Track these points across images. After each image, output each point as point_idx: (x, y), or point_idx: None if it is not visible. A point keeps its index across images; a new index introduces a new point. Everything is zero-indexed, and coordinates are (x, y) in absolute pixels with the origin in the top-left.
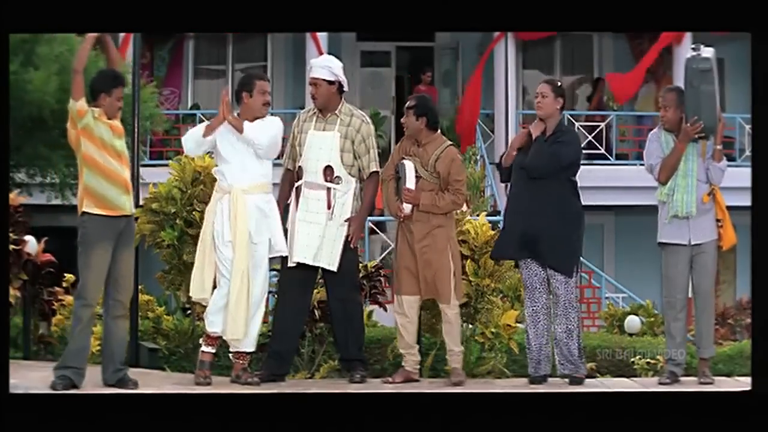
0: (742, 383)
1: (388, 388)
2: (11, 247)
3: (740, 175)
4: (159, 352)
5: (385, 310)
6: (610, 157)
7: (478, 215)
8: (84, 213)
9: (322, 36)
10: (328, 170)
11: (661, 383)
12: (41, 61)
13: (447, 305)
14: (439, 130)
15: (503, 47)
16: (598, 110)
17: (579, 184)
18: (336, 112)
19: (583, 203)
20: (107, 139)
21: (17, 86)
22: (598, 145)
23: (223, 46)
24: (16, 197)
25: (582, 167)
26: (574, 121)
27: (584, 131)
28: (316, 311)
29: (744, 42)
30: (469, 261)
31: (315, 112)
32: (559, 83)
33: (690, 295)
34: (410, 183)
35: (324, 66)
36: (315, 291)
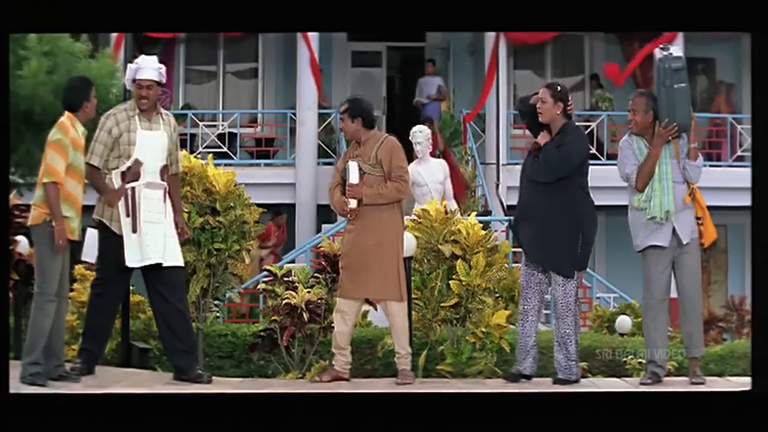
0: (734, 383)
1: (378, 388)
2: None
3: (730, 176)
4: (150, 352)
5: (375, 309)
6: (601, 157)
7: (468, 215)
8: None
9: (313, 36)
10: (165, 169)
11: (642, 383)
12: (32, 54)
13: (397, 306)
14: (375, 128)
15: (494, 48)
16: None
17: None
18: (157, 111)
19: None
20: (82, 168)
21: (11, 81)
22: (589, 144)
23: (214, 47)
24: (13, 198)
25: None
26: None
27: None
28: (304, 313)
29: (734, 43)
30: (460, 261)
31: (136, 113)
32: (559, 87)
33: (674, 295)
34: (354, 179)
35: (155, 68)
36: (305, 291)
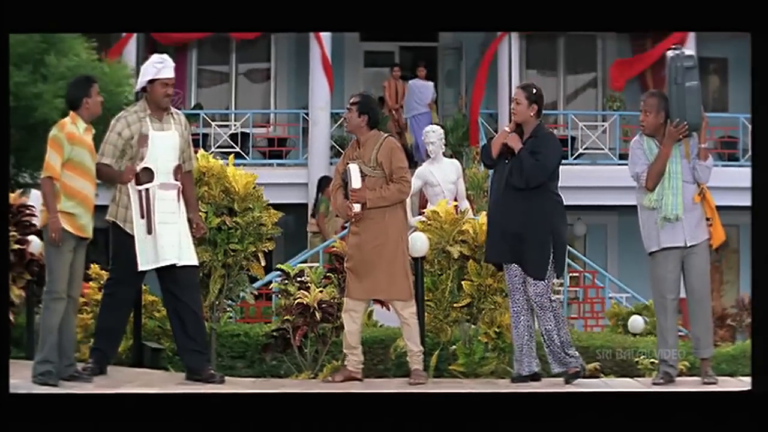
0: (745, 383)
1: (391, 388)
2: (16, 246)
3: (743, 175)
4: (163, 353)
5: (388, 309)
6: (613, 157)
7: (480, 215)
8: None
9: (326, 36)
10: (178, 169)
11: (654, 383)
12: (50, 74)
13: (405, 305)
14: (376, 129)
15: (506, 47)
16: None
17: (583, 184)
18: (167, 111)
19: (587, 203)
20: (87, 164)
21: (25, 96)
22: (601, 144)
23: (226, 47)
24: (19, 197)
25: (585, 167)
26: (578, 121)
27: (588, 131)
28: (317, 312)
29: (746, 41)
30: (471, 261)
31: (147, 114)
32: (535, 90)
33: (683, 296)
34: (356, 183)
35: (172, 66)
36: (318, 290)
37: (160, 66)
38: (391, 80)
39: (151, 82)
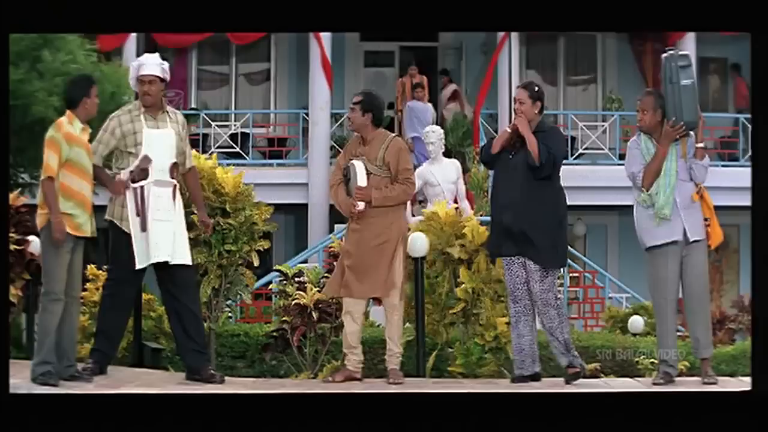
0: (745, 383)
1: (391, 389)
2: (14, 247)
3: (743, 175)
4: (163, 352)
5: None
6: (613, 157)
7: (481, 215)
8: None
9: (326, 36)
10: (174, 167)
11: (654, 384)
12: (45, 70)
13: (397, 304)
14: (382, 127)
15: (506, 47)
16: None
17: (583, 184)
18: (162, 110)
19: (588, 203)
20: (84, 164)
21: (22, 94)
22: (601, 145)
23: (226, 48)
24: (17, 197)
25: (586, 167)
26: (578, 121)
27: (588, 131)
28: (314, 312)
29: (747, 42)
30: (463, 267)
31: (141, 113)
32: (537, 87)
33: (681, 296)
34: (361, 181)
35: (157, 63)
36: (315, 291)
37: (138, 65)
38: (407, 78)
39: (136, 80)
